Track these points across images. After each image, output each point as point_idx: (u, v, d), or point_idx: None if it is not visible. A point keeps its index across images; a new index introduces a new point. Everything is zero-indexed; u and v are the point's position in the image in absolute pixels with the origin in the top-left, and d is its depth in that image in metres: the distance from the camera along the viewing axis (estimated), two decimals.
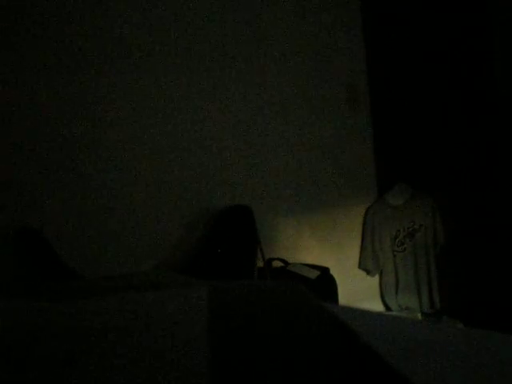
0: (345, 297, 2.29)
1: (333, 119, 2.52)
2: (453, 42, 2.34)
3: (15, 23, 1.81)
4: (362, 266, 2.59)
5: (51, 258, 1.78)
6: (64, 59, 1.90)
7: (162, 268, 2.05)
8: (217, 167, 2.20)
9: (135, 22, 2.03)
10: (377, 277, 2.62)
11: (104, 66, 1.97)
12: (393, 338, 0.40)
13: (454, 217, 2.43)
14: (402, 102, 2.55)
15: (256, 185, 2.30)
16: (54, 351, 0.35)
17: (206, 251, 2.03)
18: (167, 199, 2.09)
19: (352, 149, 2.58)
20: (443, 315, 2.42)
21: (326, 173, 2.50)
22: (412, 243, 2.52)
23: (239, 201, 2.18)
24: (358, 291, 2.53)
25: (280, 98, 2.37)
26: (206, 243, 2.08)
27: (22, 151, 1.82)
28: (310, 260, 2.36)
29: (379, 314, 0.49)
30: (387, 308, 2.61)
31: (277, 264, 2.26)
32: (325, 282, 2.19)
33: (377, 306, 2.61)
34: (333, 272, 2.25)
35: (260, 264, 2.05)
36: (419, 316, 2.44)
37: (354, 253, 2.60)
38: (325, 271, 2.22)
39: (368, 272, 2.59)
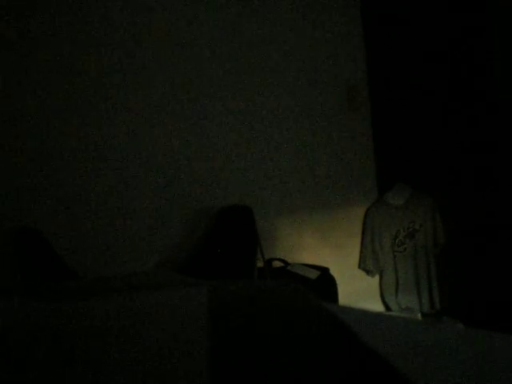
0: (345, 297, 2.29)
1: (333, 119, 2.52)
2: (453, 42, 2.34)
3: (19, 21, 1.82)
4: (361, 266, 2.59)
5: (51, 258, 1.78)
6: (64, 58, 1.90)
7: (162, 268, 2.05)
8: (217, 167, 2.20)
9: (136, 22, 2.04)
10: (377, 277, 2.62)
11: (104, 65, 1.97)
12: (393, 338, 0.40)
13: (453, 217, 2.43)
14: (402, 102, 2.55)
15: (256, 185, 2.30)
16: (54, 351, 0.35)
17: (206, 251, 2.03)
18: (167, 199, 2.09)
19: (352, 149, 2.58)
20: (443, 315, 2.42)
21: (326, 173, 2.50)
22: (412, 243, 2.52)
23: (239, 201, 2.18)
24: (358, 291, 2.53)
25: (280, 98, 2.37)
26: (206, 243, 2.08)
27: (22, 151, 1.82)
28: (310, 260, 2.36)
29: (379, 314, 0.49)
30: (387, 308, 2.61)
31: (277, 264, 2.26)
32: (325, 281, 2.19)
33: (377, 306, 2.61)
34: (333, 272, 2.25)
35: (260, 264, 2.05)
36: (419, 316, 2.44)
37: (354, 253, 2.60)
38: (325, 271, 2.22)
39: (368, 272, 2.59)
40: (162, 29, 2.09)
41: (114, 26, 1.99)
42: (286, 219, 2.38)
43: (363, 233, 2.60)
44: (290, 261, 2.30)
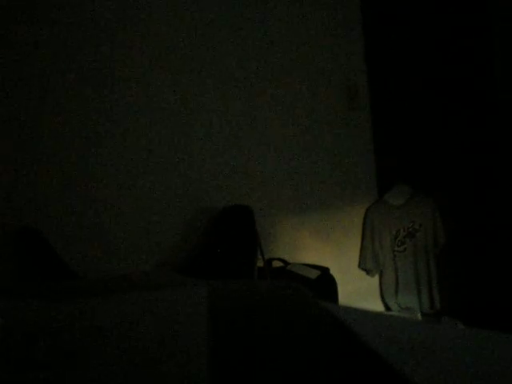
0: (345, 297, 2.29)
1: (333, 119, 2.52)
2: (453, 42, 2.34)
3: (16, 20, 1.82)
4: (361, 265, 2.59)
5: (51, 258, 1.78)
6: (64, 55, 1.90)
7: (162, 268, 2.05)
8: (217, 167, 2.20)
9: (139, 26, 2.04)
10: (377, 277, 2.62)
11: (104, 65, 1.97)
12: (393, 338, 0.40)
13: (454, 217, 2.43)
14: (402, 102, 2.55)
15: (256, 185, 2.30)
16: (53, 351, 0.35)
17: (206, 251, 2.03)
18: (167, 199, 2.09)
19: (352, 149, 2.58)
20: (443, 315, 2.42)
21: (326, 173, 2.50)
22: (412, 243, 2.52)
23: (239, 201, 2.18)
24: (358, 291, 2.53)
25: (280, 98, 2.37)
26: (206, 243, 2.08)
27: (22, 151, 1.82)
28: (309, 260, 2.36)
29: (379, 314, 0.49)
30: (387, 308, 2.61)
31: (277, 264, 2.26)
32: (325, 281, 2.19)
33: (377, 306, 2.61)
34: (333, 272, 2.25)
35: (260, 264, 2.05)
36: (419, 316, 2.44)
37: (354, 253, 2.60)
38: (325, 271, 2.22)
39: (368, 272, 2.59)
40: (168, 28, 2.09)
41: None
42: (286, 219, 2.38)
43: (363, 233, 2.60)
44: (290, 261, 2.30)
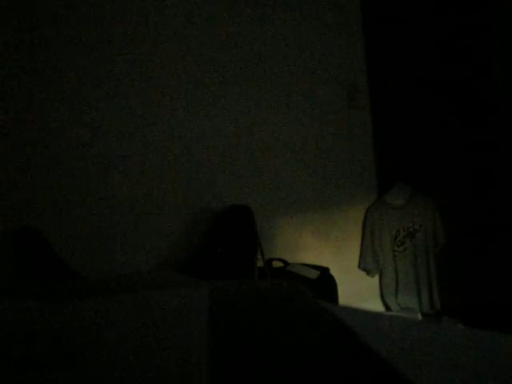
0: (345, 297, 2.29)
1: (333, 118, 2.52)
2: (453, 42, 2.34)
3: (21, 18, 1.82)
4: (361, 266, 2.59)
5: (51, 258, 1.78)
6: (64, 53, 1.90)
7: (162, 268, 2.05)
8: (217, 167, 2.20)
9: (137, 17, 2.04)
10: (377, 277, 2.62)
11: (104, 65, 1.97)
12: (393, 337, 0.40)
13: (454, 217, 2.43)
14: (402, 102, 2.55)
15: (256, 185, 2.30)
16: (53, 351, 0.35)
17: (206, 251, 2.03)
18: (167, 199, 2.09)
19: (352, 149, 2.58)
20: (443, 315, 2.42)
21: (326, 172, 2.50)
22: (412, 243, 2.52)
23: (239, 201, 2.18)
24: (358, 291, 2.53)
25: (280, 98, 2.37)
26: (206, 243, 2.08)
27: (22, 151, 1.82)
28: (309, 260, 2.37)
29: (379, 314, 0.49)
30: (387, 308, 2.61)
31: (277, 264, 2.26)
32: (325, 281, 2.19)
33: (377, 306, 2.61)
34: (333, 272, 2.25)
35: (260, 264, 2.05)
36: (419, 316, 2.44)
37: (353, 253, 2.60)
38: (325, 271, 2.22)
39: (368, 272, 2.60)
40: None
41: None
42: (286, 219, 2.38)
43: (363, 233, 2.60)
44: (290, 261, 2.30)
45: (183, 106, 2.13)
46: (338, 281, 2.22)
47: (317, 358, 0.35)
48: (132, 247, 2.01)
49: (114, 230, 1.98)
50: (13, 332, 0.39)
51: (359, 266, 2.60)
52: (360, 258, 2.60)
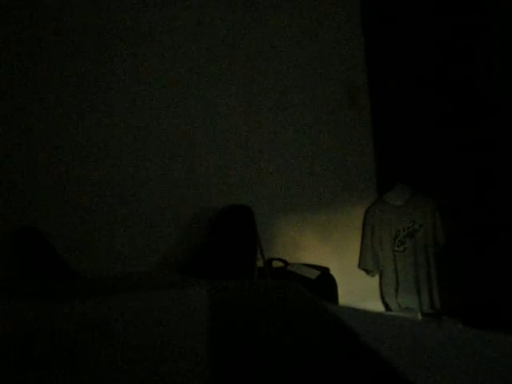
0: (345, 297, 2.29)
1: (333, 119, 2.52)
2: (453, 42, 2.34)
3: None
4: (361, 265, 2.59)
5: (51, 258, 1.78)
6: (64, 51, 1.90)
7: (162, 268, 2.05)
8: (217, 167, 2.20)
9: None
10: (377, 277, 2.62)
11: (104, 64, 1.97)
12: (393, 338, 0.40)
13: (454, 217, 2.43)
14: (402, 102, 2.55)
15: (256, 185, 2.30)
16: (53, 351, 0.35)
17: (206, 251, 2.03)
18: (167, 199, 2.09)
19: (352, 149, 2.58)
20: (443, 315, 2.42)
21: (326, 172, 2.50)
22: (412, 243, 2.52)
23: (239, 201, 2.18)
24: (358, 291, 2.53)
25: (280, 98, 2.37)
26: (206, 243, 2.08)
27: (22, 151, 1.82)
28: (309, 260, 2.37)
29: (379, 314, 0.49)
30: (387, 308, 2.61)
31: (277, 264, 2.26)
32: (325, 281, 2.19)
33: (377, 306, 2.61)
34: (333, 272, 2.25)
35: (260, 264, 2.05)
36: (419, 316, 2.44)
37: (354, 253, 2.60)
38: (325, 271, 2.22)
39: (368, 272, 2.59)
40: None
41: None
42: (286, 219, 2.38)
43: (363, 233, 2.60)
44: (290, 261, 2.30)
45: (183, 106, 2.13)
46: (337, 281, 2.22)
47: (317, 358, 0.35)
48: (132, 247, 2.01)
49: (114, 231, 1.98)
50: (13, 332, 0.39)
51: (359, 266, 2.60)
52: (360, 258, 2.60)
